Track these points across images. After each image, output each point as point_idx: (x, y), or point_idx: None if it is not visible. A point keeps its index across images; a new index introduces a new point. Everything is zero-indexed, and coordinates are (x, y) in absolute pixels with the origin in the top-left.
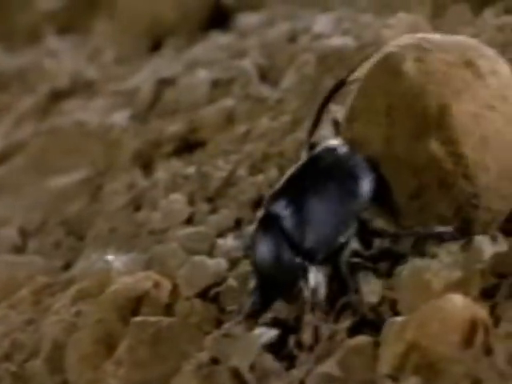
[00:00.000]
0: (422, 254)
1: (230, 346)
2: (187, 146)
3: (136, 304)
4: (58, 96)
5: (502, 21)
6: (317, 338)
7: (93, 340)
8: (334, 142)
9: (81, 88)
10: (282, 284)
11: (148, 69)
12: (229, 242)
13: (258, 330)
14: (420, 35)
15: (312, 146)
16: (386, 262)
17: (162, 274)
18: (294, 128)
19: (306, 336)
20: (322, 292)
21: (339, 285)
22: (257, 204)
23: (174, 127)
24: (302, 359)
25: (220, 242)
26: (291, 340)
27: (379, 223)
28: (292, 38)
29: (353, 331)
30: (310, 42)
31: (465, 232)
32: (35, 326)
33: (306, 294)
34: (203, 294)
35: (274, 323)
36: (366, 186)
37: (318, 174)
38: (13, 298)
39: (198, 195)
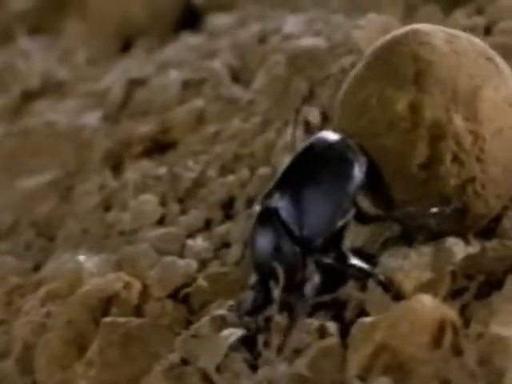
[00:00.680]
0: (392, 254)
1: (199, 347)
2: (158, 146)
3: (106, 305)
4: (29, 97)
5: (473, 21)
6: (286, 338)
7: (63, 341)
8: (325, 131)
9: (52, 89)
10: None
11: (119, 69)
12: (199, 242)
13: (226, 331)
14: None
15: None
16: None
17: (133, 274)
18: (265, 129)
19: (275, 336)
20: (315, 285)
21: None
22: (227, 205)
23: (145, 128)
24: (271, 359)
25: (190, 242)
26: (260, 340)
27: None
28: (263, 39)
29: None
30: (281, 43)
31: (457, 220)
32: (6, 326)
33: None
34: (173, 295)
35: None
36: (358, 168)
37: (312, 163)
38: None
39: (168, 196)
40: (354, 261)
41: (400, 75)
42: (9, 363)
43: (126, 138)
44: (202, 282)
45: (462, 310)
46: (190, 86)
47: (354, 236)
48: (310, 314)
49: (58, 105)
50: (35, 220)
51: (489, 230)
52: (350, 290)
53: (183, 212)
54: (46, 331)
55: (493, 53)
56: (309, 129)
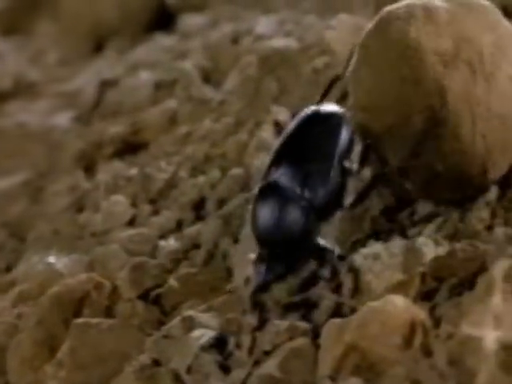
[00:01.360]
0: (363, 254)
1: (170, 348)
2: (130, 147)
3: (77, 306)
4: (0, 97)
5: None
6: (255, 339)
7: (34, 342)
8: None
9: (23, 89)
10: (293, 245)
11: (91, 70)
12: (170, 243)
13: (197, 332)
14: None
15: None
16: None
17: (104, 275)
18: (237, 129)
19: (246, 337)
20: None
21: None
22: (198, 205)
23: (117, 129)
24: (242, 361)
25: (162, 243)
26: (231, 341)
27: None
28: (235, 40)
29: None
30: (253, 44)
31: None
32: None
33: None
34: (145, 296)
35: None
36: (345, 131)
37: (302, 134)
38: None
39: (140, 197)
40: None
41: None
42: None
43: (98, 138)
44: (173, 282)
45: (433, 311)
46: (161, 87)
47: (323, 237)
48: (281, 315)
49: (29, 106)
50: (6, 221)
51: (458, 231)
52: (321, 290)
53: (155, 213)
54: (17, 332)
55: None
56: (279, 129)
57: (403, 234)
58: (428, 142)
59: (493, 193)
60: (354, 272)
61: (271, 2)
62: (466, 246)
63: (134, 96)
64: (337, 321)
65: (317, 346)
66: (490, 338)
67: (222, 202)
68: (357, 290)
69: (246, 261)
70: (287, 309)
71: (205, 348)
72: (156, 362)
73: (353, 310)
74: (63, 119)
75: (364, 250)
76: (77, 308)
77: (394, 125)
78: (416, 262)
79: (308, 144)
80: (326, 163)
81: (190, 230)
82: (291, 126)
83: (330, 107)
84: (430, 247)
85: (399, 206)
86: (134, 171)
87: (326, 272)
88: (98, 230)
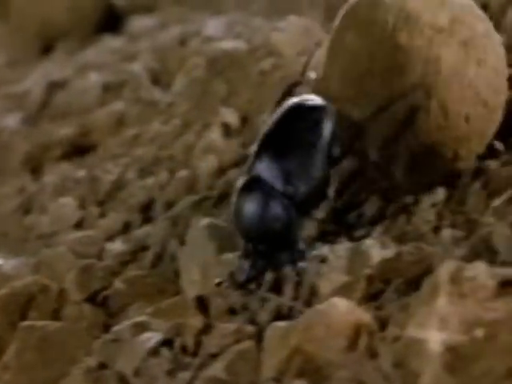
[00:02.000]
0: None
1: (118, 351)
2: (78, 149)
3: (24, 308)
4: None
5: None
6: (201, 342)
7: None
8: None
9: None
10: (275, 241)
11: (39, 72)
12: (118, 245)
13: (145, 335)
14: None
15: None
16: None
17: (51, 278)
18: (185, 131)
19: (192, 340)
20: None
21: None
22: (146, 207)
23: (65, 130)
24: (189, 363)
25: (109, 245)
26: (177, 344)
27: None
28: (183, 42)
29: None
30: (201, 46)
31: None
32: None
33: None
34: (91, 299)
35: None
36: (327, 124)
37: (283, 126)
38: None
39: (87, 199)
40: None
41: None
42: None
43: (46, 140)
44: (119, 285)
45: (379, 313)
46: (110, 89)
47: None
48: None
49: None
50: None
51: (405, 233)
52: (265, 292)
53: (102, 215)
54: None
55: None
56: (227, 130)
57: (350, 237)
58: (410, 125)
59: (439, 194)
60: (301, 274)
61: (220, 4)
62: (413, 248)
63: (83, 98)
64: (281, 324)
65: (262, 349)
66: (435, 340)
67: (169, 204)
68: (303, 293)
69: (193, 263)
70: (232, 312)
71: (152, 351)
72: (103, 365)
73: (299, 313)
74: (11, 121)
75: (311, 253)
76: (23, 311)
77: (380, 107)
78: (362, 265)
79: (291, 137)
80: (309, 157)
81: (138, 232)
82: (274, 117)
83: (312, 99)
84: (376, 249)
85: (346, 208)
86: (81, 173)
87: (290, 271)
88: (45, 233)
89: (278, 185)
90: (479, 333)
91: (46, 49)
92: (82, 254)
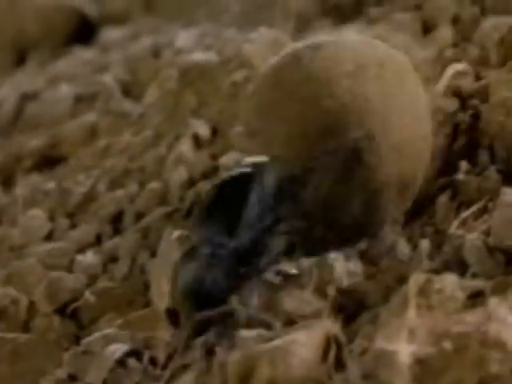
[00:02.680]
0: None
1: (88, 363)
2: (48, 160)
3: None
4: None
5: (364, 34)
6: (170, 354)
7: None
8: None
9: None
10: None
11: (11, 83)
12: (88, 257)
13: (113, 346)
14: None
15: None
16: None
17: (21, 290)
18: (156, 143)
19: (162, 352)
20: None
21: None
22: (117, 219)
23: (36, 142)
24: (158, 376)
25: (79, 257)
26: (145, 356)
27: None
28: (155, 53)
29: None
30: (173, 57)
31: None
32: None
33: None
34: (61, 310)
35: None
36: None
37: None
38: None
39: (58, 211)
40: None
41: None
42: None
43: (17, 152)
44: (89, 296)
45: (348, 326)
46: (81, 100)
47: None
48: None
49: None
50: None
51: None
52: (235, 305)
53: (73, 227)
54: None
55: None
56: (198, 142)
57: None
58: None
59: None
60: (266, 288)
61: (192, 15)
62: (381, 260)
63: (54, 109)
64: (246, 335)
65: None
66: (405, 352)
67: (140, 216)
68: (269, 307)
69: (163, 275)
70: (204, 324)
71: (119, 362)
72: (72, 377)
73: (267, 326)
74: None
75: (275, 267)
76: None
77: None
78: (328, 278)
79: (231, 201)
80: (245, 220)
81: (109, 244)
82: (214, 185)
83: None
84: (341, 262)
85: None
86: (51, 185)
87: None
88: (15, 244)
89: (216, 248)
90: (448, 345)
91: (19, 60)
92: (52, 265)
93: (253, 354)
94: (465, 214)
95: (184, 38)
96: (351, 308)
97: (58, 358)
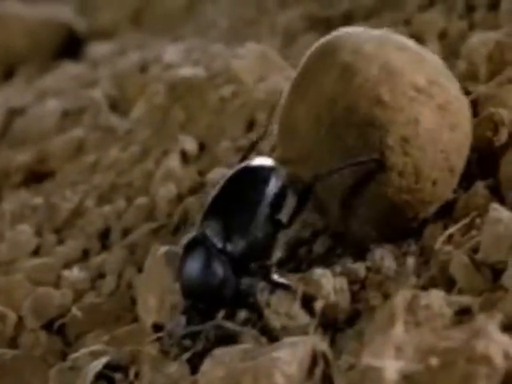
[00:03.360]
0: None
1: (74, 378)
2: (36, 176)
3: None
4: None
5: None
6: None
7: None
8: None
9: None
10: (212, 298)
11: None
12: (75, 273)
13: (95, 362)
14: None
15: None
16: None
17: (8, 305)
18: (143, 158)
19: (147, 367)
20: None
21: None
22: (104, 234)
23: (23, 157)
24: None
25: (66, 273)
26: (131, 371)
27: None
28: (143, 68)
29: None
30: (161, 72)
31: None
32: None
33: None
34: (48, 326)
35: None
36: (272, 186)
37: (233, 187)
38: None
39: (45, 226)
40: (275, 276)
41: None
42: None
43: (5, 167)
44: (76, 312)
45: (335, 342)
46: (69, 116)
47: None
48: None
49: None
50: None
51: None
52: (219, 321)
53: (60, 242)
54: None
55: None
56: (186, 157)
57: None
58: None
59: None
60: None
61: (179, 31)
62: (369, 275)
63: (41, 124)
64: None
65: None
66: (391, 368)
67: (127, 232)
68: (254, 323)
69: (150, 290)
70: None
71: (101, 375)
72: None
73: (254, 341)
74: None
75: (260, 284)
76: None
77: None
78: (314, 294)
79: (235, 196)
80: (250, 214)
81: (96, 260)
82: (221, 181)
83: (259, 161)
84: (328, 278)
85: (297, 244)
86: (39, 200)
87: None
88: (2, 260)
89: (218, 242)
90: (434, 361)
91: (7, 75)
92: (39, 281)
93: (237, 371)
94: (450, 229)
95: (171, 53)
96: (338, 324)
97: (44, 374)
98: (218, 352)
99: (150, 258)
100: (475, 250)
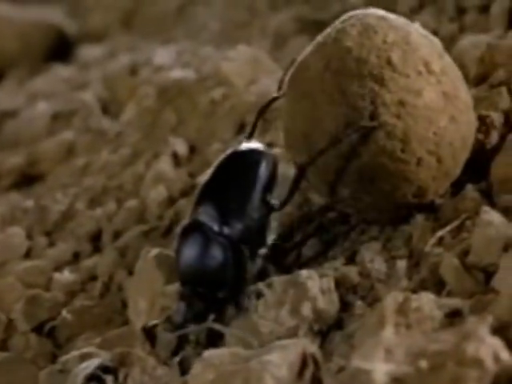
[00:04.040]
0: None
1: (64, 381)
2: (26, 178)
3: None
4: None
5: None
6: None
7: None
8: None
9: None
10: (212, 283)
11: None
12: (66, 275)
13: (85, 362)
14: None
15: None
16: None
17: (0, 308)
18: (134, 161)
19: (137, 370)
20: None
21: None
22: (95, 237)
23: (14, 160)
24: None
25: (57, 275)
26: (121, 374)
27: None
28: (133, 71)
29: None
30: (151, 75)
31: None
32: None
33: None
34: (39, 329)
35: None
36: (264, 168)
37: (225, 172)
38: None
39: (36, 229)
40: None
41: None
42: None
43: None
44: (67, 315)
45: (325, 344)
46: (59, 118)
47: None
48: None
49: None
50: None
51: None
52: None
53: (51, 245)
54: None
55: None
56: (177, 160)
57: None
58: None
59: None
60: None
61: (170, 33)
62: (358, 278)
63: (32, 127)
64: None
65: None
66: (381, 370)
67: (118, 234)
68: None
69: (140, 293)
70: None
71: (90, 377)
72: None
73: (245, 345)
74: None
75: (247, 289)
76: None
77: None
78: (301, 297)
79: (228, 180)
80: (244, 197)
81: (87, 262)
82: (213, 166)
83: (250, 145)
84: (314, 280)
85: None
86: (30, 203)
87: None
88: None
89: (215, 226)
90: (424, 364)
91: None
92: (30, 283)
93: (227, 373)
94: (441, 232)
95: (162, 55)
96: (327, 326)
97: (34, 377)
98: (209, 354)
99: (140, 261)
100: (466, 252)
